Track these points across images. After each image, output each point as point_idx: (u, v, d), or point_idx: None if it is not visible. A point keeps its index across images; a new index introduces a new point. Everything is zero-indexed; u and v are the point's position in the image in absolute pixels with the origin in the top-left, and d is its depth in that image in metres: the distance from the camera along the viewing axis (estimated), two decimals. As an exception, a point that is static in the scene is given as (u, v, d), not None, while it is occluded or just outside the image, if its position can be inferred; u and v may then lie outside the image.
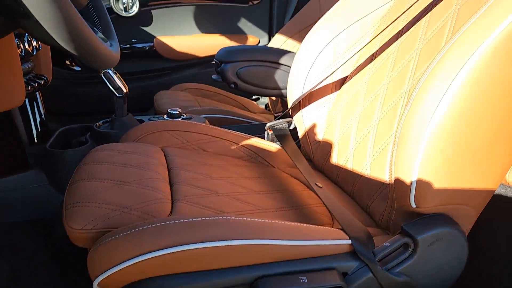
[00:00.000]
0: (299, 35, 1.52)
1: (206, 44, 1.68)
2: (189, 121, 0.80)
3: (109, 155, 0.62)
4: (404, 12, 0.66)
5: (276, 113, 1.05)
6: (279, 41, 1.55)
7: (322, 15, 1.48)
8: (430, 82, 0.44)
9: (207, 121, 0.97)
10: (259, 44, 1.79)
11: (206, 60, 1.73)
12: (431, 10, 0.64)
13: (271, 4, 1.75)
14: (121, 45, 1.62)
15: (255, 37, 1.77)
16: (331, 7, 1.43)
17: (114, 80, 0.87)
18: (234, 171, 0.71)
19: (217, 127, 0.81)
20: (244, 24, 1.75)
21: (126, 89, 0.90)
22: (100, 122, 0.96)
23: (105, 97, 0.97)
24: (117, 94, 0.89)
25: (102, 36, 0.54)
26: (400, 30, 0.69)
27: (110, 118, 0.95)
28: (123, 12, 1.53)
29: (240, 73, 0.94)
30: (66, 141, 0.97)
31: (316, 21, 1.48)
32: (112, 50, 0.48)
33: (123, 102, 0.90)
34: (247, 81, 0.95)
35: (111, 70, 0.88)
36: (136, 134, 0.76)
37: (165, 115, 0.97)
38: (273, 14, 1.75)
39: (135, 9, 1.53)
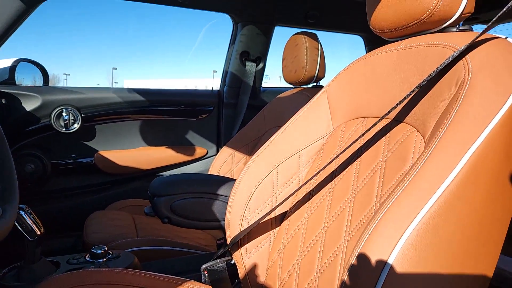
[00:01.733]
0: (246, 148, 1.54)
1: (151, 157, 1.64)
2: (109, 269, 0.69)
3: None
4: (337, 157, 0.66)
5: (218, 240, 0.97)
6: (227, 153, 1.55)
7: (268, 129, 1.54)
8: (363, 261, 0.40)
9: (136, 259, 0.86)
10: (207, 155, 1.78)
11: (150, 173, 1.66)
12: (360, 155, 0.64)
13: (219, 117, 1.80)
14: (60, 160, 1.53)
15: (203, 148, 1.77)
16: (275, 122, 1.48)
17: (26, 221, 0.76)
18: None
19: (142, 273, 0.71)
20: (192, 136, 1.76)
21: (40, 230, 0.78)
22: (6, 270, 0.81)
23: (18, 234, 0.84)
24: (29, 238, 0.77)
25: None
26: (333, 171, 0.69)
27: (19, 263, 0.81)
28: (64, 129, 1.48)
29: (174, 207, 0.87)
30: None
31: (262, 135, 1.52)
32: None
33: (36, 245, 0.78)
34: (182, 214, 0.88)
35: (24, 209, 0.77)
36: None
37: (87, 255, 0.85)
38: (221, 127, 1.80)
39: (76, 126, 1.49)
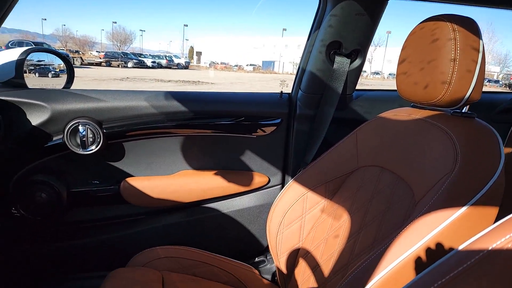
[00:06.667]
0: (325, 187, 1.00)
1: (193, 186, 1.21)
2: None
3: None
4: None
5: None
6: (297, 192, 1.04)
7: (361, 166, 0.95)
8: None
9: None
10: (269, 184, 1.30)
11: (190, 206, 1.25)
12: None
13: (287, 135, 1.28)
14: (77, 188, 1.16)
15: (263, 176, 1.28)
16: (374, 159, 0.92)
17: None
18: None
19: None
20: (250, 158, 1.28)
21: None
22: None
23: None
24: None
25: None
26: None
27: None
28: (80, 150, 1.10)
29: None
30: None
31: (350, 173, 0.99)
32: None
33: None
34: None
35: None
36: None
37: None
38: (290, 148, 1.28)
39: (94, 147, 1.10)
